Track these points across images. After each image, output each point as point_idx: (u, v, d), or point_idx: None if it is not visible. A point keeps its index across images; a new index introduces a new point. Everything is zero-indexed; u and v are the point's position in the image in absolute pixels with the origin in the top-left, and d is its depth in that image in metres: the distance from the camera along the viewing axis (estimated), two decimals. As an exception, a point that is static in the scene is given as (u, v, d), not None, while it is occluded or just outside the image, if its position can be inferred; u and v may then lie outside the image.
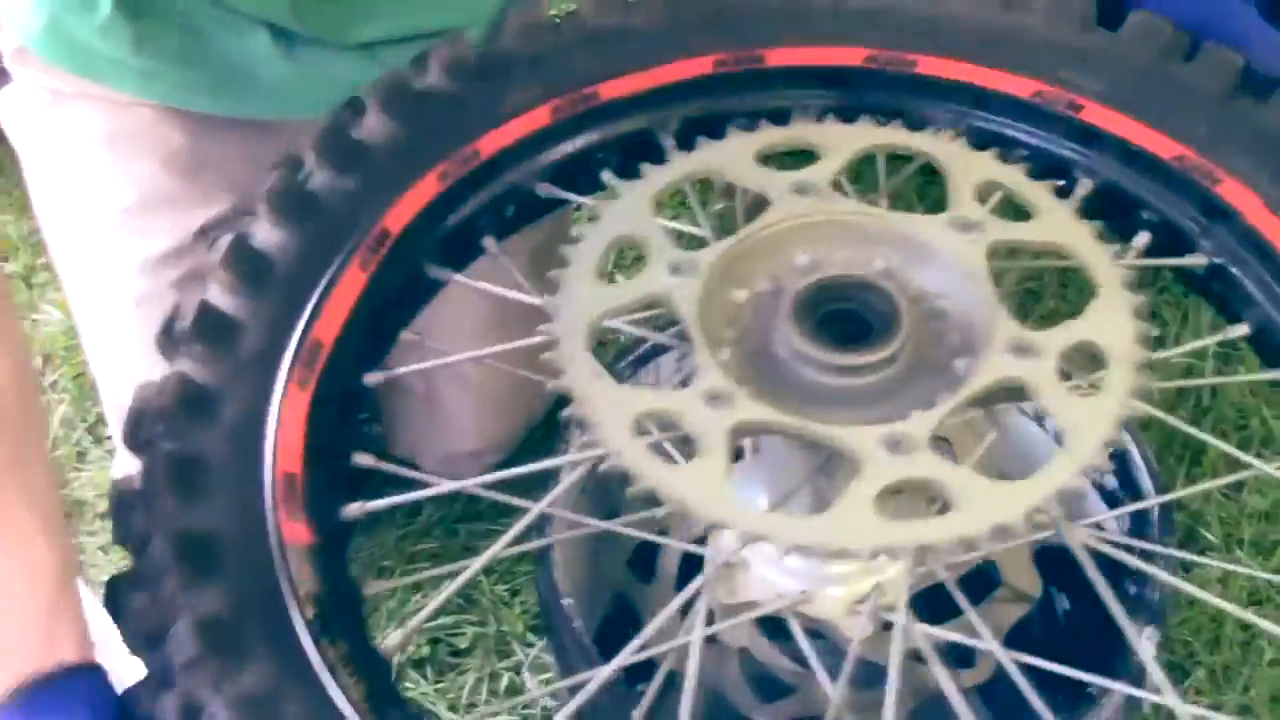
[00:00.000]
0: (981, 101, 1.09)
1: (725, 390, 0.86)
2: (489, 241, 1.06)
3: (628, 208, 0.99)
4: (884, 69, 1.10)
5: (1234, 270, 1.02)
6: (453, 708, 1.51)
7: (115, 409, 1.53)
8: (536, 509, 0.91)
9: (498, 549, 0.90)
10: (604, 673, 0.84)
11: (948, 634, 0.94)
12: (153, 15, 1.28)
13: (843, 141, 1.02)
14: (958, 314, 0.95)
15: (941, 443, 0.87)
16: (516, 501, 0.94)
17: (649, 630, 0.86)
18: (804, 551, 0.81)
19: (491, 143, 1.05)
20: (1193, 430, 0.99)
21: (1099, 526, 1.21)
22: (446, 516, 1.67)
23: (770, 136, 1.04)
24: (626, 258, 1.48)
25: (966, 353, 0.92)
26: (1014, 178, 0.99)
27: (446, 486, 0.96)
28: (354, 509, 0.92)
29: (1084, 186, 1.05)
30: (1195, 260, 1.03)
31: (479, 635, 1.56)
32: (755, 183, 1.01)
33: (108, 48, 1.29)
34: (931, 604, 0.96)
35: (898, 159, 1.07)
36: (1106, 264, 0.94)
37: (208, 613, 0.82)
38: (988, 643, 0.87)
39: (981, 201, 0.97)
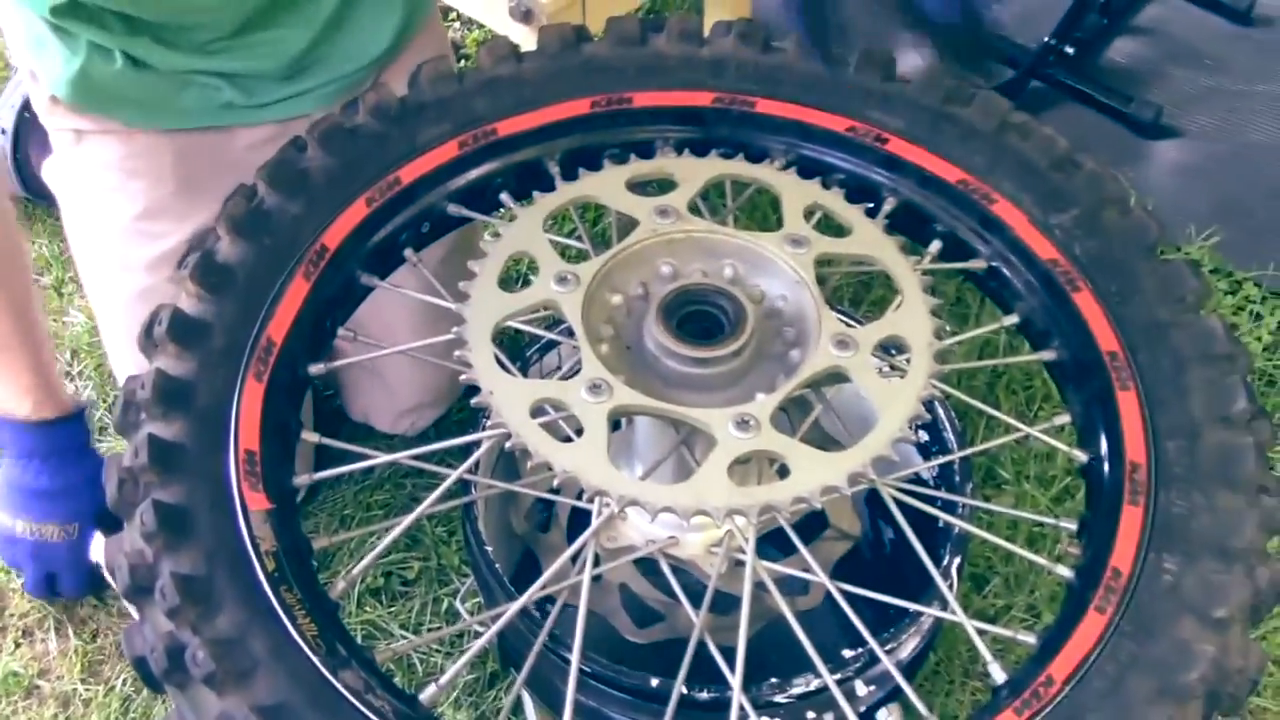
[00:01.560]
0: (807, 135, 1.20)
1: (603, 380, 0.98)
2: (409, 252, 1.16)
3: (523, 228, 1.09)
4: (729, 109, 1.21)
5: (1005, 271, 1.14)
6: (403, 626, 1.64)
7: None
8: (454, 476, 1.01)
9: (421, 511, 1.00)
10: (515, 606, 0.96)
11: (785, 569, 1.07)
12: (150, 68, 1.46)
13: (695, 172, 1.14)
14: (791, 313, 1.07)
15: (781, 415, 0.99)
16: (439, 469, 1.05)
17: (548, 573, 0.97)
18: (669, 513, 0.93)
19: (410, 172, 1.15)
20: (975, 402, 1.13)
21: (916, 476, 1.37)
22: (395, 472, 1.80)
23: (638, 168, 1.15)
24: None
25: (799, 345, 1.05)
26: (834, 201, 1.12)
27: (381, 459, 1.05)
28: (302, 479, 1.02)
29: (889, 204, 1.18)
30: (976, 264, 1.16)
31: (424, 568, 1.69)
32: (625, 206, 1.11)
33: (119, 89, 1.48)
34: (775, 542, 1.08)
35: (742, 185, 1.18)
36: (909, 273, 1.07)
37: (185, 571, 0.91)
38: (818, 575, 0.98)
39: (808, 220, 1.10)
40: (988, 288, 1.18)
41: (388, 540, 1.01)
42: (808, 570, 1.00)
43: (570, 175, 1.16)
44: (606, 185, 1.13)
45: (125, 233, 1.58)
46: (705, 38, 1.25)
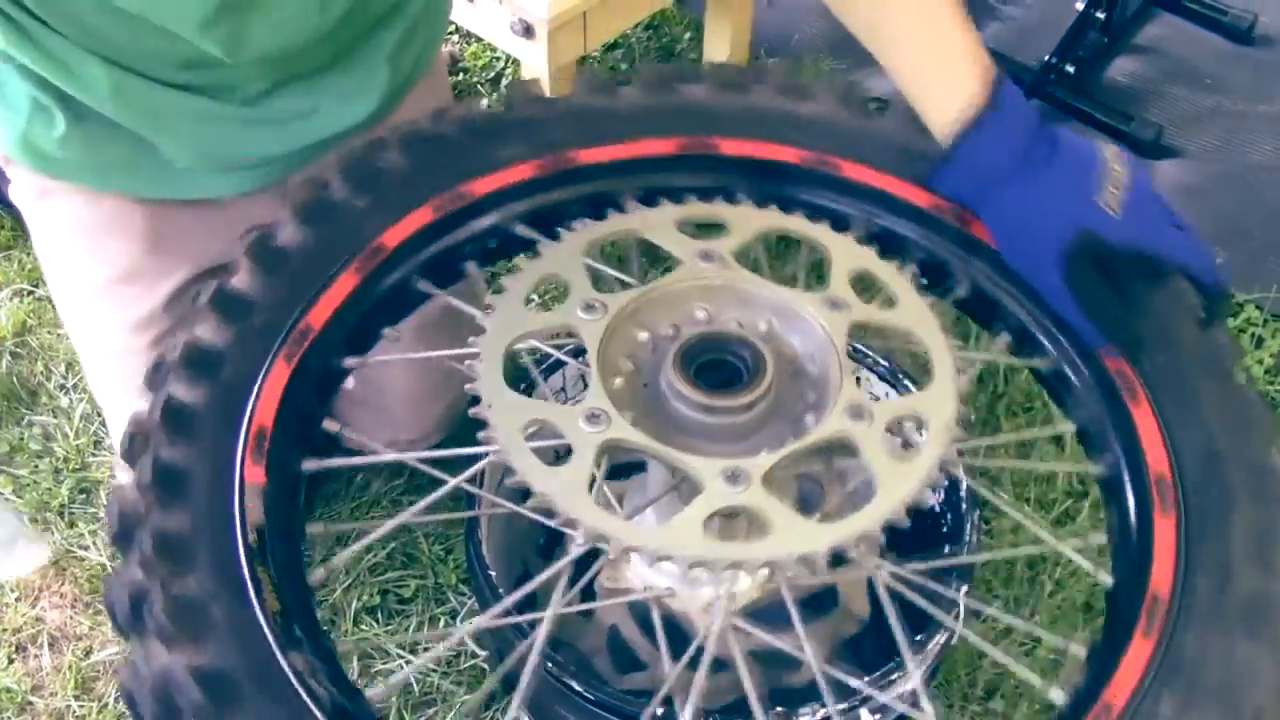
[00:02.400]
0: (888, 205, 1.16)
1: (603, 411, 0.95)
2: (470, 265, 1.14)
3: (563, 251, 1.07)
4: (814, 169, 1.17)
5: (1070, 376, 1.08)
6: (401, 645, 1.61)
7: (114, 431, 1.66)
8: (452, 483, 1.00)
9: (417, 509, 0.99)
10: (457, 634, 0.92)
11: (774, 641, 1.01)
12: (100, 131, 1.34)
13: (748, 221, 1.10)
14: (816, 376, 1.03)
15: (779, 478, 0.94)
16: (440, 474, 1.02)
17: (506, 602, 0.95)
18: (632, 551, 0.89)
19: (482, 186, 1.14)
20: (994, 498, 1.06)
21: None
22: (392, 490, 1.77)
23: (691, 210, 1.12)
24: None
25: (817, 409, 1.00)
26: (884, 270, 1.07)
27: (389, 457, 1.06)
28: (310, 464, 1.01)
29: (962, 288, 1.13)
30: (1041, 362, 1.10)
31: (420, 586, 1.67)
32: (670, 244, 1.08)
33: (67, 155, 1.36)
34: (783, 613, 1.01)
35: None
36: (945, 353, 1.01)
37: (170, 528, 0.91)
38: (806, 656, 0.94)
39: (854, 286, 1.05)
40: (1050, 388, 1.12)
41: (376, 534, 1.00)
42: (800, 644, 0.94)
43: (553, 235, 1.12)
44: (655, 221, 1.10)
45: (99, 294, 1.50)
46: (805, 94, 1.21)
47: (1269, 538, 0.95)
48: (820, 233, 1.10)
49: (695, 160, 1.18)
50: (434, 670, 1.57)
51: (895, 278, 1.06)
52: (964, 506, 1.26)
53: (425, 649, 1.58)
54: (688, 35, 2.50)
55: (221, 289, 1.05)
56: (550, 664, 1.16)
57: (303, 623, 0.91)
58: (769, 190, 1.17)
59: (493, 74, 2.50)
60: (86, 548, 1.79)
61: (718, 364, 1.01)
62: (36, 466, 1.87)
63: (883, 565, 0.95)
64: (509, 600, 0.96)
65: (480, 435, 0.95)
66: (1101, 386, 1.06)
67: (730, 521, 0.95)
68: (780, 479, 1.01)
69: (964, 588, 1.19)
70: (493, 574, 1.20)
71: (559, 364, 1.43)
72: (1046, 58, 2.29)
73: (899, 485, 0.93)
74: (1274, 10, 2.58)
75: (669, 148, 1.18)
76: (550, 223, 1.14)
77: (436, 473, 1.03)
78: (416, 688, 1.56)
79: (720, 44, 2.34)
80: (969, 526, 1.26)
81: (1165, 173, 2.29)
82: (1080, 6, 2.41)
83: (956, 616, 1.14)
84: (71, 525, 1.83)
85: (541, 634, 0.92)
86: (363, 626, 1.62)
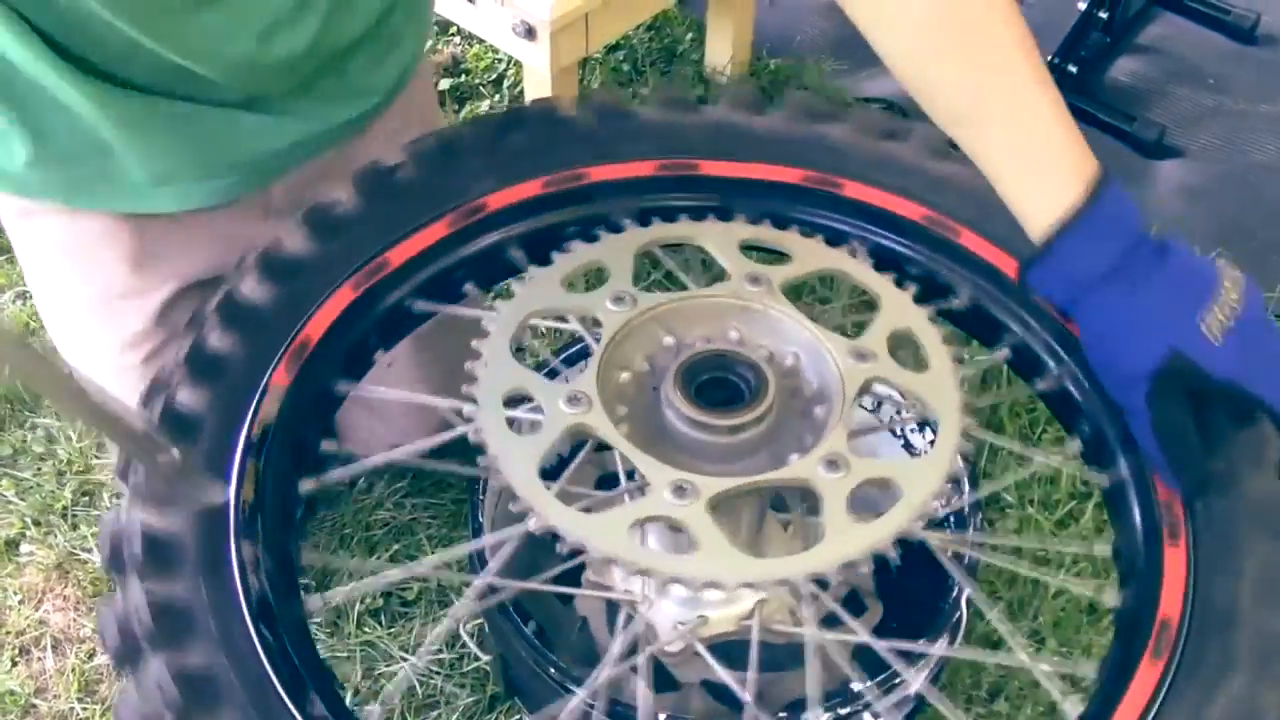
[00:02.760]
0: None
1: (586, 396, 0.95)
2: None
3: (614, 246, 1.08)
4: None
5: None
6: (403, 648, 1.60)
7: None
8: (479, 581, 0.97)
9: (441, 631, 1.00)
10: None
11: (723, 676, 0.99)
12: (65, 149, 1.27)
13: (814, 258, 1.08)
14: (819, 419, 0.99)
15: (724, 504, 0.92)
16: (453, 468, 1.03)
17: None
18: (549, 532, 0.89)
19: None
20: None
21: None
22: (395, 492, 1.75)
23: (760, 232, 1.11)
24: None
25: (801, 450, 0.97)
26: (930, 334, 1.02)
27: (391, 455, 1.04)
28: (308, 485, 1.00)
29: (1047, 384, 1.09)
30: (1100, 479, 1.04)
31: (423, 589, 1.65)
32: (724, 258, 1.07)
33: (33, 175, 1.29)
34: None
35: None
36: (953, 431, 0.96)
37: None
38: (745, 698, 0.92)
39: (889, 343, 1.01)
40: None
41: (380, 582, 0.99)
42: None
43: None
44: (721, 235, 1.09)
45: (88, 313, 1.44)
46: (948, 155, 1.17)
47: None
48: (880, 284, 1.06)
49: (816, 195, 1.16)
50: (437, 673, 1.56)
51: (937, 345, 1.01)
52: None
53: (429, 650, 1.57)
54: (689, 36, 2.45)
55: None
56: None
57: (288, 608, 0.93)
58: (881, 240, 1.15)
59: (495, 75, 2.46)
60: (89, 550, 1.79)
61: (724, 384, 0.99)
62: (40, 469, 1.87)
63: (815, 631, 0.91)
64: (464, 547, 0.98)
65: (464, 388, 0.97)
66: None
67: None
68: (735, 506, 0.99)
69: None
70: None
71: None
72: (1049, 58, 2.29)
73: (843, 543, 0.89)
74: (1277, 10, 2.56)
75: (794, 177, 1.17)
76: (649, 223, 1.14)
77: (442, 466, 1.04)
78: (420, 690, 1.55)
79: (722, 45, 2.30)
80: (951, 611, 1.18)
81: (1167, 173, 2.28)
82: (1082, 6, 2.42)
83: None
84: (74, 528, 1.83)
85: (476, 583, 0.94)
86: (365, 629, 1.61)
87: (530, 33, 1.80)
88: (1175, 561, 0.95)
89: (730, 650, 1.04)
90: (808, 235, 1.12)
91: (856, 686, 1.04)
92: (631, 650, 0.97)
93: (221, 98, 1.28)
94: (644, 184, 1.17)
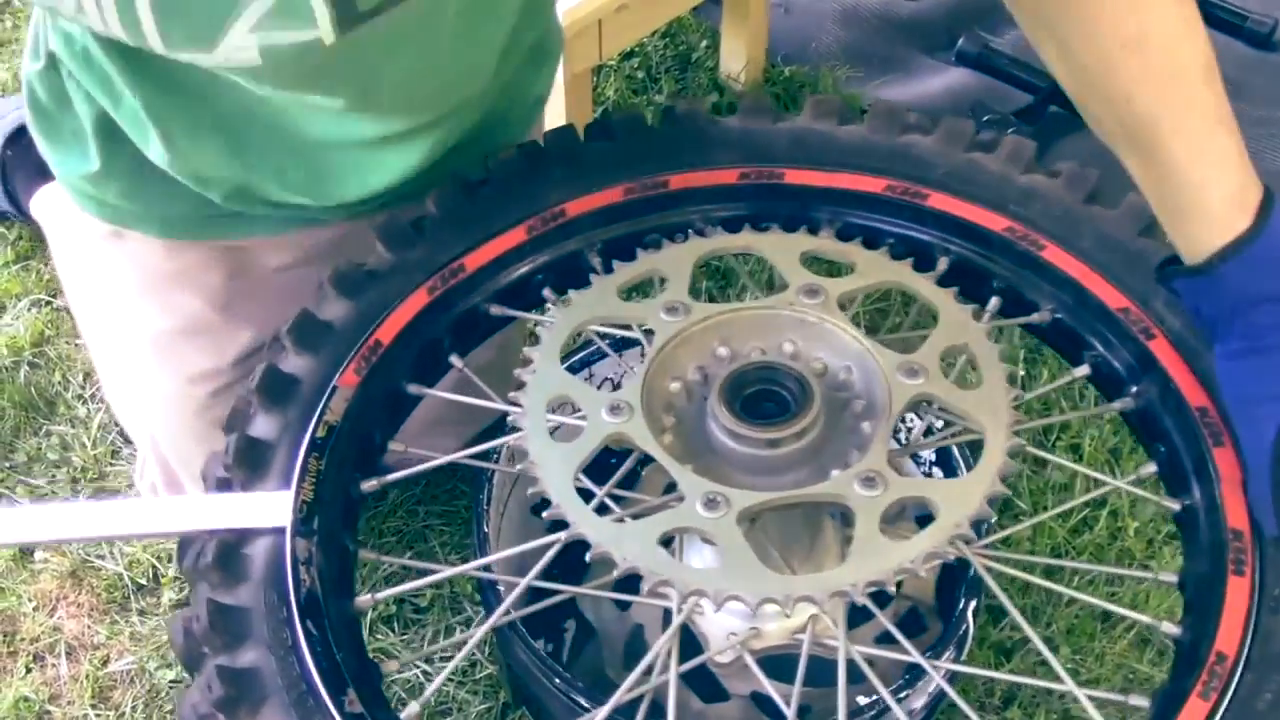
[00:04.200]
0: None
1: (625, 402, 0.96)
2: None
3: (675, 255, 1.08)
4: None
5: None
6: (416, 654, 1.56)
7: (142, 465, 1.62)
8: (521, 585, 0.96)
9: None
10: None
11: (879, 651, 0.99)
12: (139, 173, 1.23)
13: (876, 271, 1.05)
14: (864, 434, 0.97)
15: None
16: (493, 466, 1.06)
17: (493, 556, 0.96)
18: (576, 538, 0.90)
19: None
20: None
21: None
22: (408, 499, 1.71)
23: (821, 244, 1.09)
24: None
25: (841, 466, 0.95)
26: (986, 351, 0.99)
27: (443, 459, 1.05)
28: (370, 484, 1.03)
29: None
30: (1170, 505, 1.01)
31: (436, 595, 1.61)
32: (782, 268, 1.06)
33: (129, 205, 1.28)
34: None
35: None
36: (998, 452, 0.92)
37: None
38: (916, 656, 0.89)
39: (943, 360, 0.98)
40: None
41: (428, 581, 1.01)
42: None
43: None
44: (781, 246, 1.08)
45: (158, 344, 1.38)
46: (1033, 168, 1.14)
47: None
48: (941, 299, 1.03)
49: (899, 205, 1.14)
50: (450, 680, 1.53)
51: (993, 362, 0.98)
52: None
53: (442, 658, 1.54)
54: (704, 43, 2.36)
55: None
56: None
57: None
58: (964, 253, 1.12)
59: None
60: (103, 557, 1.73)
61: (772, 396, 0.98)
62: (54, 476, 1.83)
63: (850, 646, 0.90)
64: (507, 552, 0.99)
65: (510, 393, 0.99)
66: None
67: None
68: (770, 521, 0.98)
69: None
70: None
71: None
72: None
73: (872, 562, 0.87)
74: (1295, 15, 2.41)
75: (877, 187, 1.14)
76: (736, 228, 1.14)
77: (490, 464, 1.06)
78: (433, 698, 1.52)
79: (736, 52, 2.24)
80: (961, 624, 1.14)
81: None
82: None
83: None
84: None
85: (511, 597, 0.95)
86: (378, 635, 1.59)
87: None
88: (1238, 594, 0.90)
89: (784, 664, 1.03)
90: (882, 246, 1.10)
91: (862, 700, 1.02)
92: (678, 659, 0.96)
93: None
94: (726, 192, 1.16)
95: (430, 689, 0.95)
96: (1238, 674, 0.85)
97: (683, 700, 1.24)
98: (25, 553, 1.75)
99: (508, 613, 0.98)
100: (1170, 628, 0.93)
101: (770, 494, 0.92)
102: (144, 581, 1.69)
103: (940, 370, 0.97)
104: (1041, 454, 1.03)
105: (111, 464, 1.83)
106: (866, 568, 0.87)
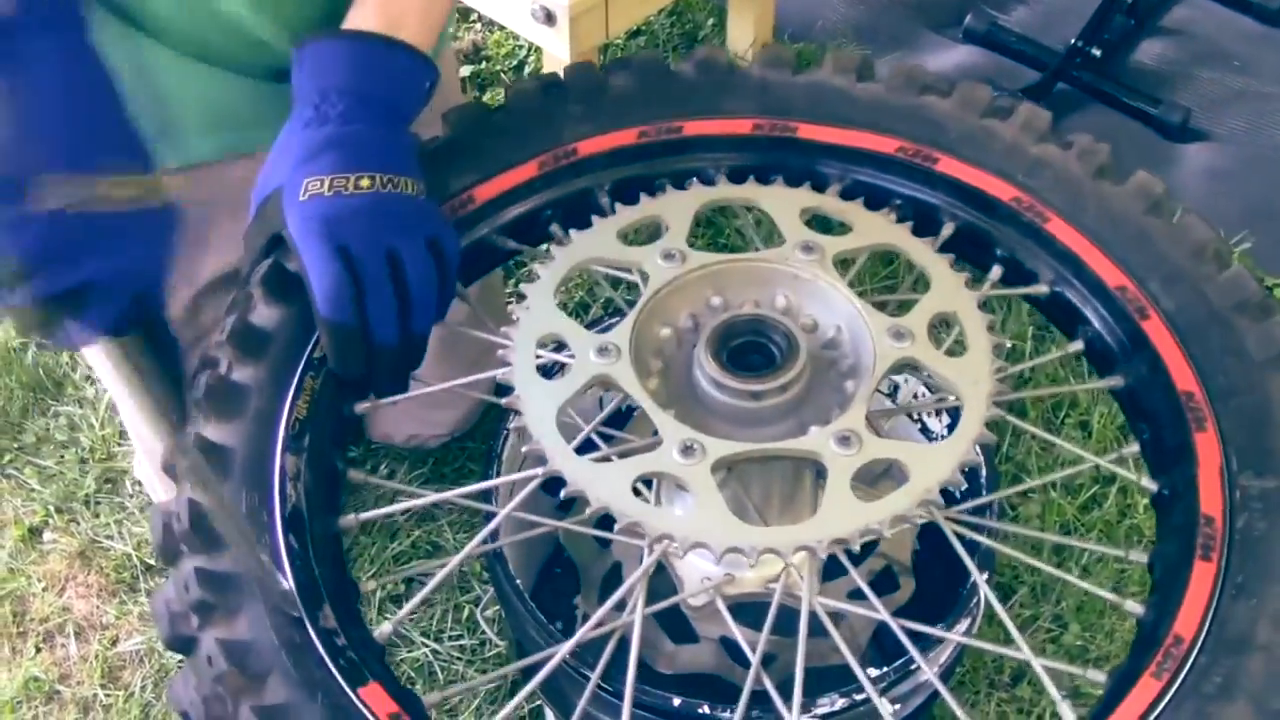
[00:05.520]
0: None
1: (612, 345, 0.97)
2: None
3: (675, 201, 1.09)
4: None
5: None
6: (424, 634, 1.61)
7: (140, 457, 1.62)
8: (500, 515, 0.99)
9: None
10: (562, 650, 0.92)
11: (845, 605, 0.99)
12: None
13: (870, 232, 1.05)
14: (849, 395, 0.97)
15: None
16: (484, 507, 1.10)
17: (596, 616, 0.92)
18: (544, 468, 0.92)
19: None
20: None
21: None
22: (416, 479, 1.73)
23: (823, 202, 1.10)
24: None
25: (819, 424, 0.96)
26: (974, 320, 0.99)
27: (429, 498, 1.07)
28: (349, 519, 1.00)
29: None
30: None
31: (445, 575, 1.61)
32: (782, 224, 1.07)
33: None
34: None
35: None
36: (976, 420, 0.93)
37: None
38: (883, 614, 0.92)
39: (932, 331, 0.99)
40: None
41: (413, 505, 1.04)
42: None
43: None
44: (782, 200, 1.08)
45: None
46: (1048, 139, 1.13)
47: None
48: (935, 265, 1.03)
49: (908, 167, 1.13)
50: (458, 658, 1.57)
51: (979, 331, 0.98)
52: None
53: (451, 636, 1.57)
54: (710, 21, 2.38)
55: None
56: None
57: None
58: (970, 220, 1.12)
59: (515, 62, 2.40)
60: (112, 537, 1.77)
61: (760, 349, 0.99)
62: (62, 457, 1.87)
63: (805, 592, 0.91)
64: (482, 485, 1.00)
65: (502, 329, 1.00)
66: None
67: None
68: (751, 472, 0.99)
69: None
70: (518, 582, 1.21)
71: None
72: (1073, 41, 2.22)
73: (838, 521, 0.88)
74: (1304, -9, 2.44)
75: (889, 147, 1.14)
76: (741, 181, 1.14)
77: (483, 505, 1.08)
78: (441, 675, 1.56)
79: (743, 29, 2.24)
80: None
81: (1193, 156, 2.22)
82: (1107, -12, 2.34)
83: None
84: (97, 516, 1.81)
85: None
86: (387, 615, 1.59)
87: (550, 18, 1.78)
88: (1203, 579, 0.90)
89: (757, 611, 1.04)
90: (888, 207, 1.10)
91: (872, 672, 1.03)
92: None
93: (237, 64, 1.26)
94: (737, 142, 1.16)
95: (403, 611, 0.97)
96: (1191, 657, 0.86)
97: (653, 640, 1.29)
98: (34, 533, 1.77)
99: (486, 541, 0.99)
100: (1134, 607, 0.94)
101: (747, 445, 0.92)
102: (152, 562, 1.71)
103: (929, 336, 0.97)
104: (1018, 422, 1.02)
105: (119, 444, 1.86)
106: (833, 525, 0.88)
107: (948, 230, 1.11)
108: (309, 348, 1.02)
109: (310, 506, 0.96)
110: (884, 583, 1.35)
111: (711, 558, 0.89)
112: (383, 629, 0.95)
